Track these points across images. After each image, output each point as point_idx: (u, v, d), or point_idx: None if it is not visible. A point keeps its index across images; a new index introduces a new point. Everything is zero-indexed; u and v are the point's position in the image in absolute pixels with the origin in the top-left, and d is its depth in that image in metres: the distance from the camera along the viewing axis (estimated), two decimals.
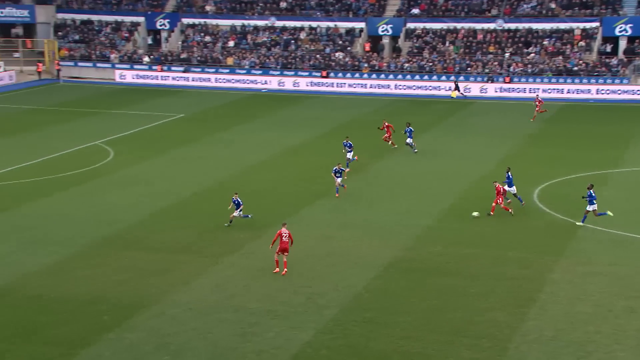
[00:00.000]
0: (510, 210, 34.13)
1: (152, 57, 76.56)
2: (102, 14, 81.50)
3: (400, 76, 71.00)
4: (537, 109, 55.24)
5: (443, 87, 68.90)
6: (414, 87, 69.50)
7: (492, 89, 67.84)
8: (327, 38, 77.09)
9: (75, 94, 67.17)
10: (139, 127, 52.69)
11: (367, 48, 75.85)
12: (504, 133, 51.73)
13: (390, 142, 46.46)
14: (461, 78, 68.88)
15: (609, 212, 32.59)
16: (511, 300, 25.51)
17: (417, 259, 29.41)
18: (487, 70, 69.61)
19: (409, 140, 45.62)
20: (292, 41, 77.02)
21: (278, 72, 73.19)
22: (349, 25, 77.44)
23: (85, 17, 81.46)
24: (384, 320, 24.21)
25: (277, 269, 27.73)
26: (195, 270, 27.92)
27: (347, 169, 40.74)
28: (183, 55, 76.31)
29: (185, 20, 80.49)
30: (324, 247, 30.49)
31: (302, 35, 77.50)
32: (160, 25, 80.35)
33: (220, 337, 22.94)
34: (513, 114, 58.70)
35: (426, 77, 70.49)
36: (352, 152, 41.88)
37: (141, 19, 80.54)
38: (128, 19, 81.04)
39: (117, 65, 75.68)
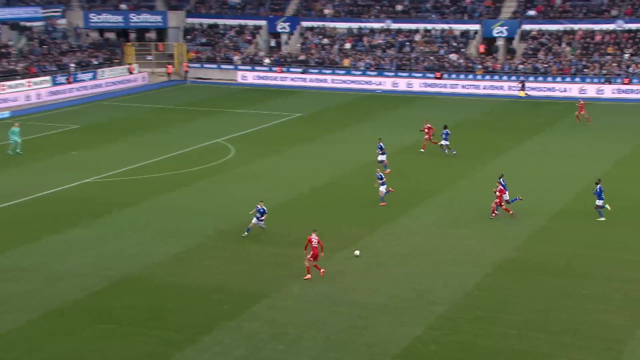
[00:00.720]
0: (511, 212, 33.19)
1: (272, 58, 77.76)
2: (227, 18, 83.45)
3: (514, 77, 69.32)
4: None
5: (557, 89, 66.84)
6: (528, 89, 67.65)
7: (609, 91, 65.24)
8: (441, 40, 76.18)
9: (201, 94, 69.03)
10: (258, 126, 53.62)
11: (482, 50, 74.47)
12: (621, 135, 49.67)
13: (432, 142, 45.02)
14: (577, 79, 66.66)
15: (607, 206, 32.27)
16: (625, 303, 24.45)
17: (528, 258, 28.64)
18: (604, 72, 67.00)
19: (444, 142, 44.31)
20: (407, 43, 76.52)
21: (392, 74, 72.86)
22: (464, 27, 76.22)
23: (211, 21, 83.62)
24: (494, 318, 23.69)
25: (309, 276, 26.63)
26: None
27: (388, 170, 39.81)
28: (301, 57, 77.14)
29: (305, 24, 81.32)
30: (434, 245, 30.14)
31: (417, 37, 76.88)
32: (281, 29, 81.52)
33: (332, 329, 23.03)
34: (632, 116, 56.26)
35: (541, 78, 68.55)
36: (384, 155, 40.57)
37: (263, 23, 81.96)
38: (251, 22, 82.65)
39: (239, 67, 77.28)
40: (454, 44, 75.28)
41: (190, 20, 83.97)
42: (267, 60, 77.50)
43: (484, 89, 69.18)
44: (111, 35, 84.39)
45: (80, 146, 47.21)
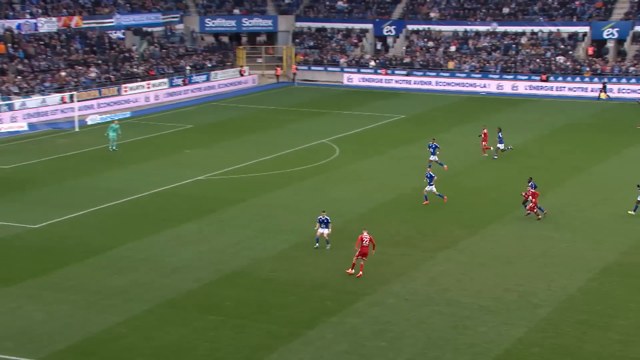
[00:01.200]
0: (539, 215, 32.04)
1: (377, 61, 77.70)
2: (334, 22, 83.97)
3: (624, 80, 66.71)
4: None
5: None
6: (610, 91, 64.93)
7: None
8: (548, 42, 74.14)
9: (308, 96, 69.71)
10: (362, 127, 53.68)
11: (590, 52, 72.00)
12: None
13: (485, 148, 43.81)
14: None
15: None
16: None
17: (636, 263, 27.50)
18: None
19: (500, 145, 43.15)
20: (513, 45, 74.87)
21: (497, 76, 71.48)
22: (572, 29, 73.91)
23: (320, 25, 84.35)
24: (600, 322, 22.89)
25: (352, 271, 26.64)
26: (411, 263, 27.97)
27: (445, 166, 39.43)
28: (406, 60, 76.72)
29: (410, 27, 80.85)
30: (538, 247, 29.38)
31: (523, 40, 75.11)
32: (387, 32, 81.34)
33: (434, 328, 22.81)
34: None
35: None
36: (435, 156, 39.81)
37: (369, 26, 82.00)
38: (358, 26, 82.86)
39: (345, 69, 77.60)
40: (562, 46, 73.13)
41: (299, 24, 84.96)
42: (372, 63, 77.50)
43: (592, 91, 66.87)
44: (224, 39, 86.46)
45: (193, 145, 48.56)
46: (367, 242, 26.60)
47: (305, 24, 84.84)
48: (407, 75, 74.99)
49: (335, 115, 59.18)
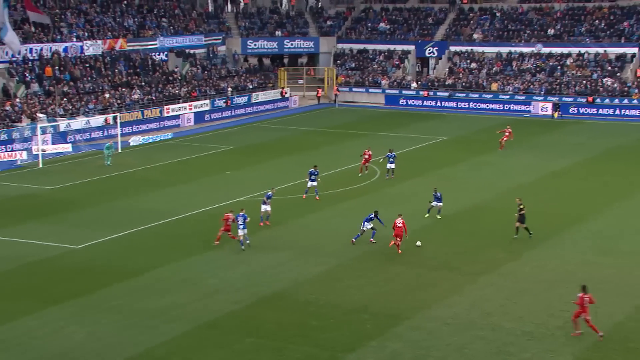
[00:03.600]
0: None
1: (419, 82, 77.69)
2: (376, 44, 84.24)
3: None
4: None
5: None
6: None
7: None
8: (594, 64, 73.38)
9: (349, 117, 69.93)
10: (404, 149, 53.63)
11: (639, 74, 71.06)
12: None
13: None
14: None
15: None
16: None
17: None
18: None
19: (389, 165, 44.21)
20: (558, 67, 74.28)
21: (542, 98, 70.93)
22: (620, 50, 73.12)
23: (361, 46, 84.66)
24: None
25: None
26: (452, 287, 27.80)
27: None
28: (449, 81, 76.59)
29: (453, 48, 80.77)
30: (583, 273, 28.95)
31: (569, 61, 74.47)
32: (429, 53, 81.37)
33: (476, 354, 22.59)
34: None
35: None
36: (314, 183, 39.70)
37: (412, 47, 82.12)
38: (400, 47, 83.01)
39: (387, 91, 77.74)
40: (609, 67, 72.32)
41: (340, 45, 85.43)
42: (414, 84, 77.50)
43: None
44: (266, 61, 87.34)
45: (234, 166, 49.01)
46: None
47: (347, 46, 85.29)
48: (449, 97, 74.82)
49: (376, 137, 59.21)
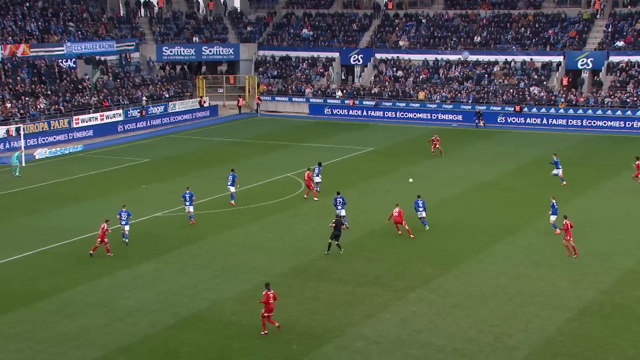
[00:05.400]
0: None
1: (345, 91, 78.37)
2: (299, 51, 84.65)
3: (600, 111, 68.09)
4: None
5: None
6: (614, 122, 66.43)
7: None
8: (521, 72, 75.52)
9: (272, 127, 69.96)
10: (330, 160, 53.88)
11: (565, 82, 73.47)
12: None
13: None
14: None
15: None
16: None
17: (617, 303, 27.82)
18: None
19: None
20: (485, 75, 76.11)
21: (469, 107, 72.48)
22: (546, 59, 75.45)
23: (283, 53, 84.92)
24: None
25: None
26: (381, 303, 28.00)
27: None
28: (375, 90, 77.51)
29: (379, 55, 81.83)
30: (514, 286, 29.60)
31: (496, 69, 76.41)
32: (354, 61, 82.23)
33: None
34: None
35: (629, 112, 67.13)
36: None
37: (336, 55, 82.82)
38: (324, 54, 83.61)
39: (311, 100, 78.12)
40: (535, 76, 74.51)
41: (262, 52, 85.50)
42: (339, 93, 78.14)
43: (569, 124, 68.15)
44: (183, 68, 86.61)
45: (149, 180, 48.32)
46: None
47: (268, 53, 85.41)
48: (375, 105, 75.68)
49: (300, 148, 59.40)
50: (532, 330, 25.50)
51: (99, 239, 33.17)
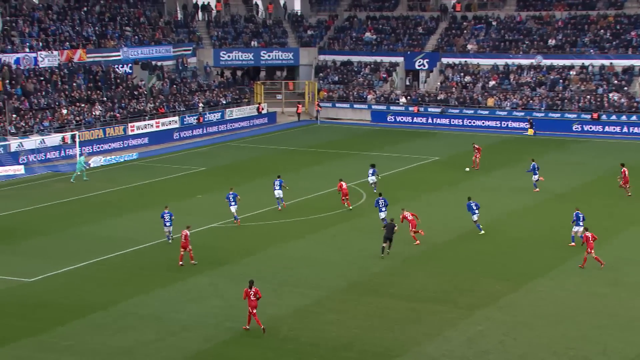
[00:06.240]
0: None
1: (409, 97, 78.12)
2: (362, 55, 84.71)
3: None
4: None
5: None
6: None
7: None
8: (600, 77, 74.18)
9: (332, 135, 70.08)
10: (393, 170, 53.73)
11: None
12: None
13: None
14: None
15: None
16: None
17: None
18: None
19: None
20: (560, 81, 74.99)
21: (542, 114, 71.49)
22: (628, 62, 73.97)
23: (345, 58, 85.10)
24: None
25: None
26: (446, 321, 27.74)
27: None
28: (441, 96, 77.07)
29: (445, 60, 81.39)
30: (590, 306, 29.03)
31: (572, 74, 75.23)
32: (419, 65, 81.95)
33: None
34: None
35: None
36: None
37: (400, 59, 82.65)
38: (387, 59, 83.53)
39: (373, 106, 78.06)
40: (615, 81, 73.10)
41: (322, 57, 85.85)
42: (403, 100, 77.93)
43: None
44: (241, 74, 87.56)
45: (205, 189, 48.84)
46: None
47: (329, 57, 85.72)
48: (441, 113, 75.23)
49: (362, 157, 59.33)
50: (612, 354, 24.94)
51: (182, 247, 33.84)
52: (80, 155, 53.54)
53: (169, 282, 31.98)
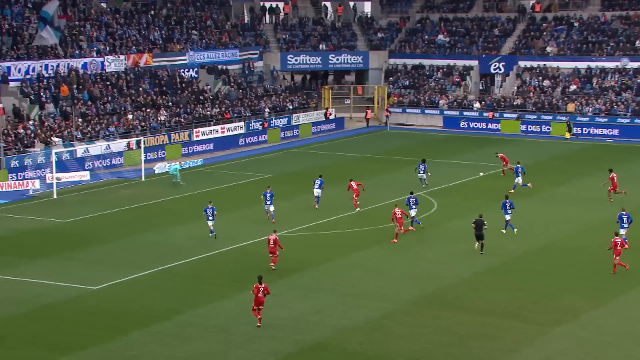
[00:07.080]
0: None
1: (483, 103, 77.40)
2: (434, 58, 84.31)
3: None
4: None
5: None
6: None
7: None
8: None
9: (401, 142, 69.86)
10: (465, 178, 53.28)
11: None
12: None
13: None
14: None
15: None
16: None
17: None
18: None
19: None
20: None
21: (628, 120, 70.05)
22: None
23: (416, 61, 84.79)
24: None
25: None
26: (521, 338, 27.41)
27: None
28: (517, 101, 76.16)
29: (522, 63, 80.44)
30: None
31: None
32: (495, 69, 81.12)
33: None
34: None
35: None
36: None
37: (474, 63, 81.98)
38: (461, 62, 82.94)
39: (445, 112, 77.57)
40: None
41: (392, 60, 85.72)
42: (477, 105, 77.26)
43: None
44: (308, 78, 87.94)
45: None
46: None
47: (400, 61, 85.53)
48: (518, 119, 74.33)
49: (433, 165, 58.93)
50: None
51: (271, 252, 34.66)
52: (173, 163, 56.12)
53: (234, 292, 32.28)
